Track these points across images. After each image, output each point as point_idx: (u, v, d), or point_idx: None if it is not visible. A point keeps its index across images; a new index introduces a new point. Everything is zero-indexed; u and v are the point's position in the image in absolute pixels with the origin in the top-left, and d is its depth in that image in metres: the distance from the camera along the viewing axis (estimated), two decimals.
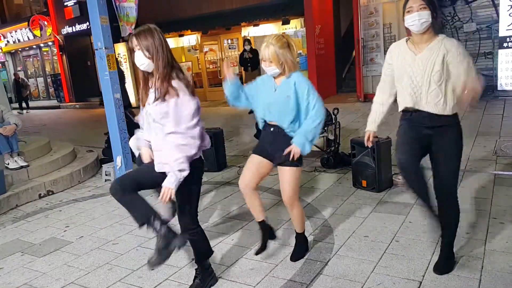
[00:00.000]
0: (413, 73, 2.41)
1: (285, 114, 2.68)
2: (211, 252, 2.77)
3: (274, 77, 2.74)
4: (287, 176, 2.76)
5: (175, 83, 2.33)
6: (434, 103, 2.40)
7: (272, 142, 2.78)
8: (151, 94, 2.39)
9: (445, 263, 2.67)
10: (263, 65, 2.71)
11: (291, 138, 2.70)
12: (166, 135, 2.34)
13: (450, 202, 2.60)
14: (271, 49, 2.61)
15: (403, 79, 2.46)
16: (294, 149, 2.63)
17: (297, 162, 2.74)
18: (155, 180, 2.44)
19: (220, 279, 2.83)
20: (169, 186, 2.28)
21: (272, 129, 2.77)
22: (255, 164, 2.83)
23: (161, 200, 2.29)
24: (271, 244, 3.19)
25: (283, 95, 2.66)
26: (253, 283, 2.74)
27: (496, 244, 2.93)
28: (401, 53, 2.50)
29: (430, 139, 2.50)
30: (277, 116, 2.71)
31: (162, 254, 2.38)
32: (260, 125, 2.88)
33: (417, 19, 2.30)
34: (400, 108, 2.58)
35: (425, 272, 2.66)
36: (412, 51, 2.44)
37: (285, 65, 2.65)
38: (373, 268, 2.77)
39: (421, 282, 2.56)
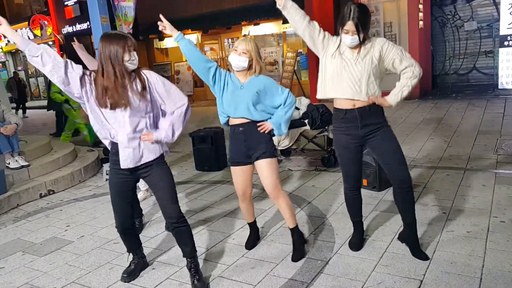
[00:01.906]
0: (353, 68, 2.65)
1: (255, 109, 2.81)
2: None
3: (236, 75, 2.86)
4: (266, 168, 2.87)
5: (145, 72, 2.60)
6: (370, 94, 2.67)
7: (246, 140, 2.87)
8: (134, 88, 2.51)
9: (416, 246, 2.86)
10: (232, 55, 2.81)
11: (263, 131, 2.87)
12: (169, 114, 2.59)
13: (407, 186, 2.78)
14: (250, 44, 2.79)
15: (343, 75, 2.67)
16: (268, 125, 2.83)
17: (273, 153, 2.90)
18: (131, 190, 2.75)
19: (221, 278, 2.83)
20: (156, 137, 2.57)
21: (241, 128, 2.87)
22: (240, 175, 2.98)
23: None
24: (272, 244, 3.19)
25: (252, 92, 2.79)
26: (254, 282, 2.74)
27: (496, 243, 2.93)
28: (340, 49, 2.70)
29: (366, 139, 2.77)
30: (246, 111, 2.81)
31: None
32: (223, 121, 2.97)
33: (350, 41, 2.61)
34: (323, 96, 2.79)
35: (425, 271, 2.66)
36: (351, 52, 2.68)
37: (254, 64, 2.81)
38: (373, 267, 2.77)
39: (422, 281, 2.56)
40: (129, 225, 2.82)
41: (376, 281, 2.62)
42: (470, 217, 3.38)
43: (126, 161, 2.55)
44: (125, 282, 2.88)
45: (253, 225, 3.27)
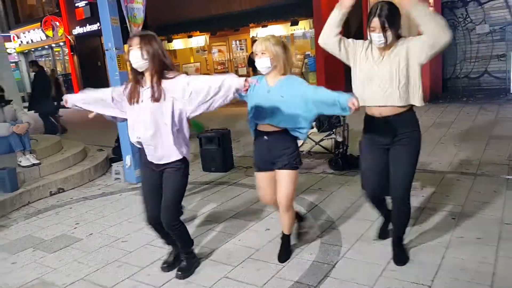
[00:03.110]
0: (381, 72, 2.55)
1: (281, 115, 2.68)
2: (192, 242, 3.02)
3: (266, 77, 2.75)
4: (286, 179, 2.79)
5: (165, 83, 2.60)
6: (406, 97, 2.55)
7: (270, 149, 2.79)
8: (146, 92, 2.61)
9: (401, 255, 2.86)
10: (256, 60, 2.72)
11: (287, 140, 2.76)
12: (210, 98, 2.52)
13: (402, 204, 2.76)
14: (265, 43, 2.68)
15: (373, 80, 2.58)
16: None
17: (295, 165, 2.79)
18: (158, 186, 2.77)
19: (227, 279, 2.83)
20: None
21: (266, 137, 2.78)
22: (265, 181, 2.91)
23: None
24: (279, 246, 3.18)
25: (277, 96, 2.68)
26: (259, 283, 2.74)
27: (508, 250, 2.89)
28: (368, 52, 2.62)
29: (391, 145, 2.67)
30: (270, 117, 2.71)
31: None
32: (252, 132, 2.91)
33: (377, 40, 2.49)
34: (362, 104, 2.63)
35: (434, 277, 2.64)
36: (378, 53, 2.59)
37: (277, 63, 2.69)
38: (381, 272, 2.75)
39: (430, 287, 2.54)
40: (158, 220, 2.80)
41: (384, 286, 2.60)
42: (480, 223, 3.34)
43: (149, 156, 2.70)
44: (164, 271, 2.96)
45: (286, 237, 3.08)
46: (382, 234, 3.14)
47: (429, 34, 2.42)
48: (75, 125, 12.43)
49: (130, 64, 2.61)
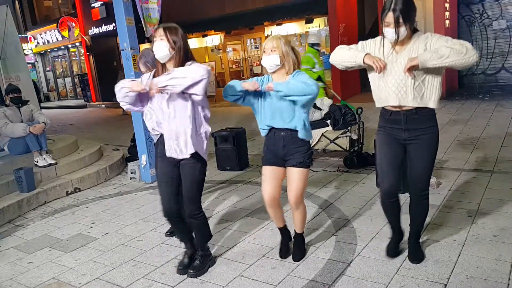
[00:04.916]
0: (396, 72, 2.49)
1: (293, 117, 2.70)
2: (211, 236, 3.03)
3: (273, 78, 2.74)
4: (296, 176, 2.79)
5: None
6: (419, 98, 2.49)
7: (285, 145, 2.79)
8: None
9: (417, 253, 2.82)
10: (263, 57, 2.71)
11: (301, 138, 2.76)
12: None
13: (422, 196, 2.71)
14: (276, 41, 2.68)
15: (388, 78, 2.53)
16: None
17: (308, 163, 2.79)
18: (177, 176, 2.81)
19: (242, 277, 2.85)
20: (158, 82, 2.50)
21: (282, 133, 2.78)
22: (271, 176, 2.87)
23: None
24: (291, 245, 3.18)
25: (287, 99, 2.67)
26: (274, 282, 2.75)
27: None
28: (382, 50, 2.56)
29: (408, 142, 2.62)
30: (287, 121, 2.72)
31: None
32: (263, 133, 2.90)
33: (391, 35, 2.43)
34: (380, 104, 2.66)
35: (450, 275, 2.61)
36: (393, 50, 2.52)
37: (286, 61, 2.69)
38: (396, 270, 2.73)
39: (446, 285, 2.51)
40: (174, 213, 2.84)
41: (399, 284, 2.58)
42: (497, 221, 3.29)
43: (170, 151, 2.71)
44: (180, 274, 2.94)
45: (283, 230, 3.10)
46: (393, 251, 2.90)
47: (457, 66, 2.39)
48: (90, 124, 12.62)
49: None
